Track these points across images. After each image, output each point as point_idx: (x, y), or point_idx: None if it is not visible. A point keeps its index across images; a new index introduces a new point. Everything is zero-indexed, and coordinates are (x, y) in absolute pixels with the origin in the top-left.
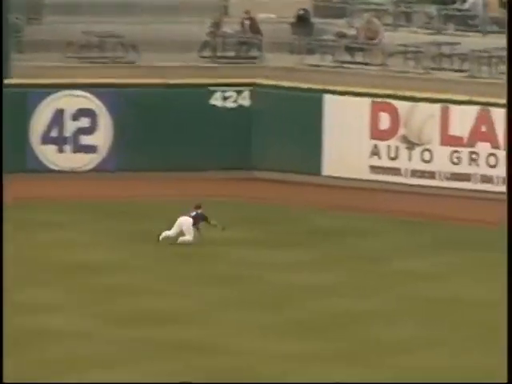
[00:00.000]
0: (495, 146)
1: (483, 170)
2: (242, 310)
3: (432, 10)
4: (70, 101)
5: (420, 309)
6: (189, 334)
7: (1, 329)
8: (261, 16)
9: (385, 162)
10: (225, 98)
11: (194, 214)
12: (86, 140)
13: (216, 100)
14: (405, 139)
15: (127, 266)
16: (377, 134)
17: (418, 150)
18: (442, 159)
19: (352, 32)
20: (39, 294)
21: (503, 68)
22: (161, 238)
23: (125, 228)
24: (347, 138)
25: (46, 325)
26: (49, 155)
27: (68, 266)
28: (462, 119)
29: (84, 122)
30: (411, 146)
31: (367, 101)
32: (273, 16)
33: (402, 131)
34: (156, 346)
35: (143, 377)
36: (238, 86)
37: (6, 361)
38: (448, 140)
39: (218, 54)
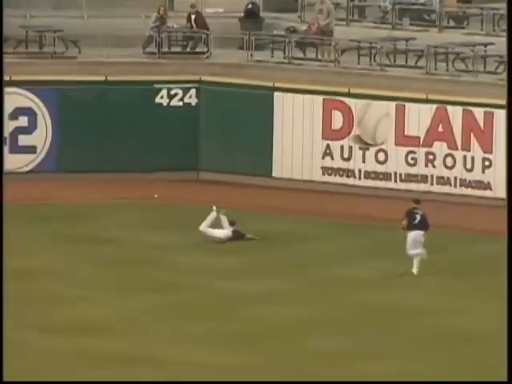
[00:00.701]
0: (452, 147)
1: (440, 171)
2: (176, 318)
3: (386, 4)
4: (8, 99)
5: (359, 317)
6: (120, 344)
7: (1, 329)
8: (208, 10)
9: (337, 163)
10: (170, 96)
11: (232, 229)
12: (24, 140)
13: (161, 98)
14: (358, 139)
15: (59, 272)
16: (329, 133)
17: (372, 150)
18: (397, 160)
19: (303, 27)
20: None
21: (461, 65)
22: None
23: (62, 231)
24: (298, 138)
25: None
26: None
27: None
28: (419, 118)
29: (22, 121)
30: (365, 146)
31: (319, 99)
32: (221, 10)
33: (355, 131)
34: (86, 357)
35: None
36: (185, 84)
37: None
38: (403, 140)
39: (163, 49)
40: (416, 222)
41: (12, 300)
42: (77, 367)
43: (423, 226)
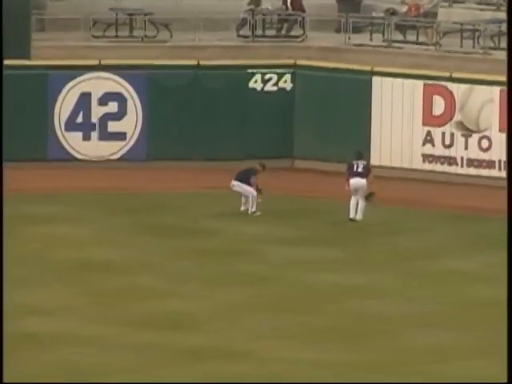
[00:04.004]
0: None
1: None
2: (269, 312)
3: None
4: (97, 84)
5: (466, 313)
6: (211, 339)
7: (1, 329)
8: None
9: (439, 151)
10: (264, 81)
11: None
12: (113, 127)
13: (255, 83)
14: (461, 125)
15: (149, 265)
16: (430, 119)
17: (475, 137)
18: (501, 147)
19: (403, 9)
20: (48, 295)
21: None
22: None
23: (151, 222)
24: (398, 125)
25: (55, 328)
26: (73, 143)
27: (84, 264)
28: None
29: (112, 107)
30: (468, 132)
31: (420, 83)
32: None
33: (457, 117)
34: (174, 352)
35: None
36: (279, 68)
37: (8, 364)
38: None
39: (257, 32)
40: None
41: (101, 294)
42: (165, 363)
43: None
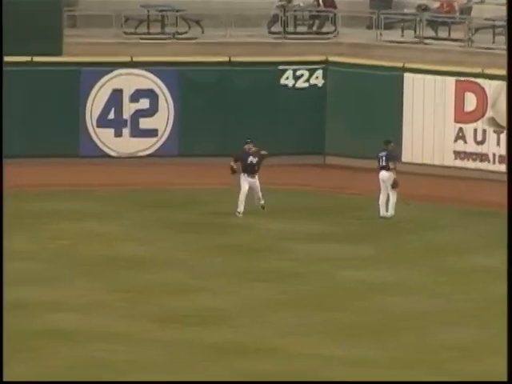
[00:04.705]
0: None
1: None
2: (297, 308)
3: None
4: (128, 80)
5: (488, 309)
6: (239, 335)
7: (1, 328)
8: None
9: (470, 147)
10: (296, 77)
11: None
12: (145, 123)
13: (286, 79)
14: (493, 122)
15: (179, 261)
16: (462, 116)
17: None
18: None
19: (435, 4)
20: (77, 291)
21: None
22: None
23: (182, 218)
24: (429, 121)
25: (85, 324)
26: (105, 139)
27: (114, 260)
28: None
29: (143, 104)
30: (500, 129)
31: (451, 80)
32: None
33: (489, 113)
34: (203, 348)
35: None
36: (311, 64)
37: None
38: None
39: (289, 29)
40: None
41: (130, 290)
42: (193, 359)
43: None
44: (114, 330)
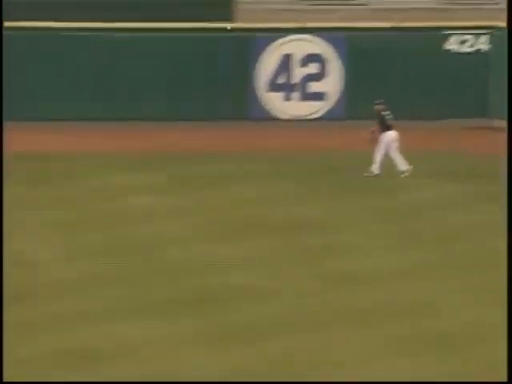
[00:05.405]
0: None
1: None
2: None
3: None
4: (298, 46)
5: None
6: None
7: (1, 326)
8: None
9: None
10: (461, 43)
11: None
12: (314, 87)
13: (451, 44)
14: None
15: (348, 223)
16: None
17: None
18: None
19: None
20: (250, 251)
21: None
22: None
23: (348, 180)
24: None
25: (260, 282)
26: (275, 103)
27: (285, 221)
28: None
29: (312, 68)
30: None
31: None
32: None
33: None
34: (372, 311)
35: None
36: (476, 30)
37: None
38: None
39: None
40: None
41: (303, 250)
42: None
43: None
44: (289, 288)
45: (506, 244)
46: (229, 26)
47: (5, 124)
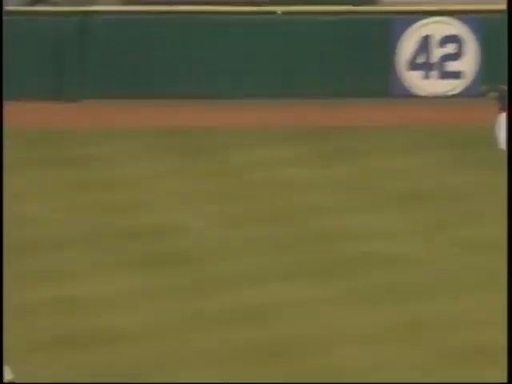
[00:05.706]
0: None
1: None
2: None
3: None
4: (437, 27)
5: None
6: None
7: (1, 325)
8: None
9: None
10: None
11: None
12: (451, 66)
13: None
14: None
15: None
16: None
17: None
18: None
19: None
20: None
21: None
22: None
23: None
24: None
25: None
26: (415, 81)
27: (413, 194)
28: None
29: (450, 48)
30: None
31: None
32: None
33: None
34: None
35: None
36: None
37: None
38: None
39: None
40: None
41: (430, 220)
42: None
43: None
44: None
45: None
46: (279, 10)
47: (158, 101)
